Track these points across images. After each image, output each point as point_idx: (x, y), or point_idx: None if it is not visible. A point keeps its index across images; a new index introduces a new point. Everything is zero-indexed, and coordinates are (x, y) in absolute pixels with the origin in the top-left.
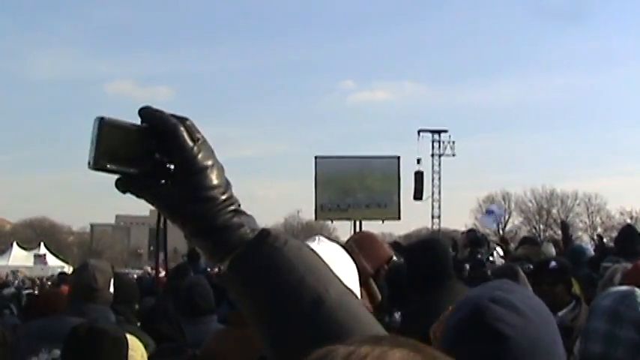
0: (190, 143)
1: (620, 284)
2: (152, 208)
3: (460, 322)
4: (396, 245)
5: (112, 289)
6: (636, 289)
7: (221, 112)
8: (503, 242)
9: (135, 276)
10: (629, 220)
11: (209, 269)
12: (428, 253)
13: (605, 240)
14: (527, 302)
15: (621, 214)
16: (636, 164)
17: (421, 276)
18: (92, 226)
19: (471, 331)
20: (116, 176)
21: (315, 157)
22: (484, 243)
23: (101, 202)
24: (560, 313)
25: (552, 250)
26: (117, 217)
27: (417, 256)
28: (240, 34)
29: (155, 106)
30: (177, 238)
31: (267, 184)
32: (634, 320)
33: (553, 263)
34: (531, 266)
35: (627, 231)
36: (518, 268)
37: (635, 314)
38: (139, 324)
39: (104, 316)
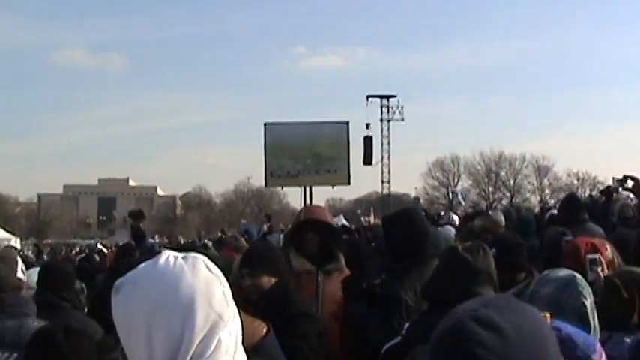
0: None
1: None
2: (100, 177)
3: (438, 338)
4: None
5: (20, 274)
6: (577, 276)
7: (172, 78)
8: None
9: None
10: (575, 182)
11: (155, 248)
12: (405, 225)
13: (552, 202)
14: (516, 321)
15: (568, 175)
16: (583, 125)
17: (399, 247)
18: (39, 196)
19: (445, 350)
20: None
21: (265, 124)
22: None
23: (48, 172)
24: (509, 291)
25: (501, 219)
26: (65, 187)
27: (394, 228)
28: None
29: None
30: (126, 209)
31: (217, 151)
32: (576, 308)
33: (493, 251)
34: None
35: (570, 200)
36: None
37: (576, 302)
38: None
39: (15, 303)
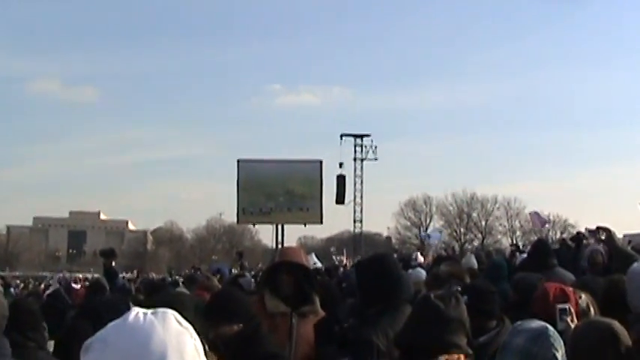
0: None
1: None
2: (72, 210)
3: None
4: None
5: None
6: (549, 327)
7: (146, 112)
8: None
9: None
10: (547, 225)
11: (127, 286)
12: (379, 270)
13: (522, 244)
14: None
15: None
16: (554, 169)
17: (371, 292)
18: (8, 228)
19: None
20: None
21: (238, 161)
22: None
23: (18, 204)
24: (481, 339)
25: (474, 262)
26: (35, 219)
27: (367, 273)
28: (168, 34)
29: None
30: (96, 242)
31: (190, 186)
32: (545, 358)
33: (464, 298)
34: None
35: (540, 245)
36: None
37: (548, 354)
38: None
39: None
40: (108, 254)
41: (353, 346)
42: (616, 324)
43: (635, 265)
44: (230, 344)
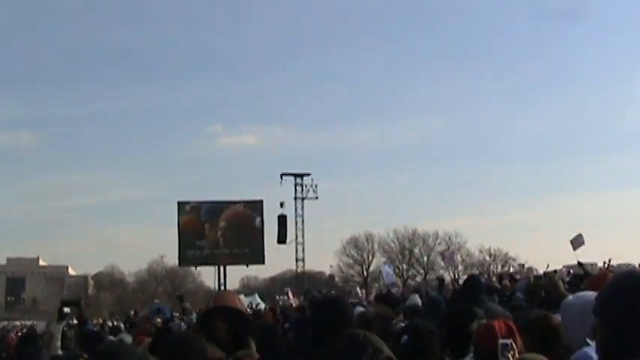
0: None
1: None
2: (9, 256)
3: None
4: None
5: None
6: None
7: (87, 157)
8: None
9: None
10: (487, 258)
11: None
12: (333, 310)
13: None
14: None
15: (480, 251)
16: (494, 203)
17: (326, 332)
18: None
19: None
20: None
21: (178, 203)
22: None
23: None
24: None
25: (418, 300)
26: None
27: (322, 312)
28: (105, 77)
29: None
30: (36, 289)
31: (130, 230)
32: None
33: (404, 338)
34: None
35: (471, 281)
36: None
37: None
38: None
39: None
40: (73, 304)
41: None
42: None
43: (570, 297)
44: None
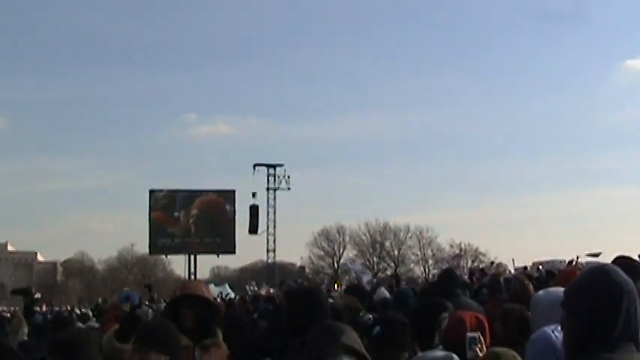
0: None
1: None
2: None
3: None
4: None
5: None
6: (453, 356)
7: (59, 142)
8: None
9: None
10: (458, 251)
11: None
12: (308, 301)
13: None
14: None
15: (451, 246)
16: (465, 198)
17: (302, 322)
18: None
19: None
20: None
21: (150, 191)
22: None
23: None
24: None
25: (386, 293)
26: None
27: (297, 303)
28: (79, 62)
29: None
30: (4, 275)
31: (101, 217)
32: None
33: (377, 329)
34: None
35: (446, 274)
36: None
37: None
38: None
39: None
40: (23, 293)
41: None
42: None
43: (541, 292)
44: None
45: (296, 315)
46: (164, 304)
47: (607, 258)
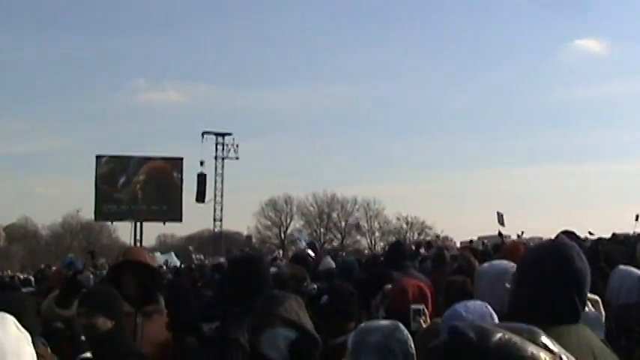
0: None
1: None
2: None
3: None
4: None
5: None
6: (399, 324)
7: (2, 105)
8: None
9: None
10: (404, 225)
11: None
12: (249, 270)
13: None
14: None
15: (398, 219)
16: (412, 171)
17: (242, 290)
18: None
19: None
20: None
21: (97, 156)
22: None
23: None
24: (339, 339)
25: (331, 263)
26: None
27: (238, 271)
28: (28, 24)
29: None
30: None
31: (46, 182)
32: (404, 351)
33: (324, 298)
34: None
35: (395, 246)
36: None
37: (404, 347)
38: None
39: None
40: None
41: (218, 343)
42: None
43: (485, 264)
44: (101, 339)
45: (236, 283)
46: (91, 275)
47: (551, 235)
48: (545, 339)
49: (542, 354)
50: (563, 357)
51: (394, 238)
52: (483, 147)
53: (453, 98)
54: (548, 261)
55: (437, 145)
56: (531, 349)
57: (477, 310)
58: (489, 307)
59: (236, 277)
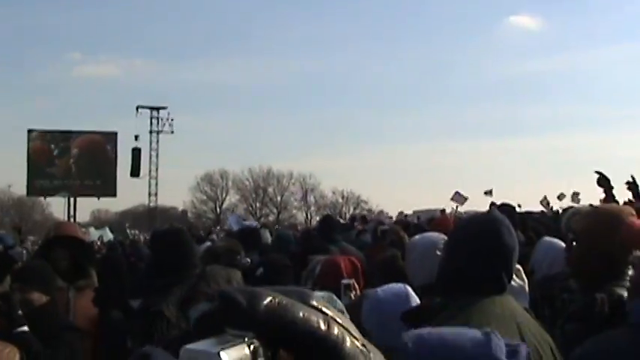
0: None
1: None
2: None
3: None
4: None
5: None
6: (333, 295)
7: None
8: None
9: None
10: (340, 200)
11: None
12: (172, 242)
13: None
14: None
15: (333, 193)
16: (349, 146)
17: (164, 264)
18: None
19: None
20: None
21: (29, 130)
22: None
23: None
24: None
25: (268, 237)
26: None
27: (161, 244)
28: None
29: None
30: None
31: None
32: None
33: (259, 271)
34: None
35: (327, 220)
36: None
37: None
38: None
39: None
40: None
41: (144, 316)
42: None
43: (416, 236)
44: (36, 314)
45: (160, 256)
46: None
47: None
48: (316, 301)
49: (314, 316)
50: (337, 319)
51: (330, 212)
52: (419, 122)
53: (388, 72)
54: (477, 234)
55: (372, 119)
56: (303, 311)
57: (394, 289)
58: (408, 287)
59: (159, 251)
